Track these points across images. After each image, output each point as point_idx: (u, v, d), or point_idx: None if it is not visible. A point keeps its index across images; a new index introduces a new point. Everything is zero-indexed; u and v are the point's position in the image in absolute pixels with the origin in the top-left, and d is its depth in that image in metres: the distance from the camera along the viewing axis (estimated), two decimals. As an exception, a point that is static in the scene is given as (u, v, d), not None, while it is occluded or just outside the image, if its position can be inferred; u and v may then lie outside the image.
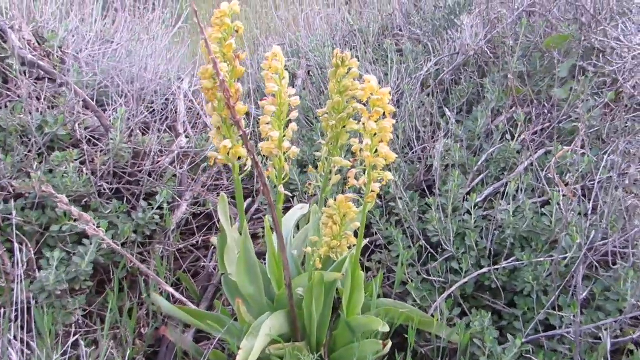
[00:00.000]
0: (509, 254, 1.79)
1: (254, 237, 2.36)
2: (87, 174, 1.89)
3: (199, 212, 2.26)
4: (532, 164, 2.01)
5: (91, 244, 1.72)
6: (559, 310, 1.62)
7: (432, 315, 1.69)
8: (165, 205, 2.02)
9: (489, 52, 2.33)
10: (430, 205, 1.88)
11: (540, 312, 1.62)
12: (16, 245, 1.57)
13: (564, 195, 1.81)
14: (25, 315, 1.57)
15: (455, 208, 1.94)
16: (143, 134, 2.44)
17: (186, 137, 2.43)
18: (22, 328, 1.52)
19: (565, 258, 1.66)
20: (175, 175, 2.26)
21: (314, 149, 2.45)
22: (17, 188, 1.75)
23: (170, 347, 1.75)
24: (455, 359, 1.64)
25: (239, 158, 1.37)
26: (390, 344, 1.51)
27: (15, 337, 1.45)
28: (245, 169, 1.41)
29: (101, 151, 2.11)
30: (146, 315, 1.85)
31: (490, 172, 2.05)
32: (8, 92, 2.31)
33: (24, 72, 2.30)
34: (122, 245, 1.89)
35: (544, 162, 2.04)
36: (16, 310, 1.56)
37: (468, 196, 1.97)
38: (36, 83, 2.41)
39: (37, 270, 1.72)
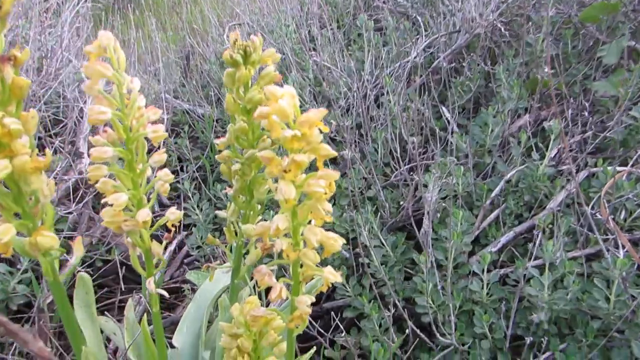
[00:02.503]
0: (539, 346, 1.15)
1: (176, 291, 1.72)
2: None
3: (99, 264, 1.62)
4: (572, 197, 1.37)
5: None
6: None
7: None
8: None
9: (502, 28, 1.66)
10: (420, 264, 1.24)
11: None
12: None
13: (625, 252, 1.17)
14: None
15: (457, 265, 1.30)
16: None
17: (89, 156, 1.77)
18: None
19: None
20: (69, 213, 1.62)
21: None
22: None
23: None
24: None
25: (46, 252, 0.72)
26: None
27: None
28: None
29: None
30: None
31: (508, 207, 1.40)
32: None
33: None
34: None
35: (587, 192, 1.39)
36: None
37: (477, 248, 1.33)
38: None
39: None
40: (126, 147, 0.74)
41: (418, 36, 1.83)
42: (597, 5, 1.65)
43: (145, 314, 1.10)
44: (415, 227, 1.43)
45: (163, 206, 1.98)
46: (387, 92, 1.67)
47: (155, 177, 0.78)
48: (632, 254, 1.15)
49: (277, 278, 0.70)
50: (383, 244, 1.37)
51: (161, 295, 0.83)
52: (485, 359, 1.16)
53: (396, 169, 1.57)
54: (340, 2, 2.66)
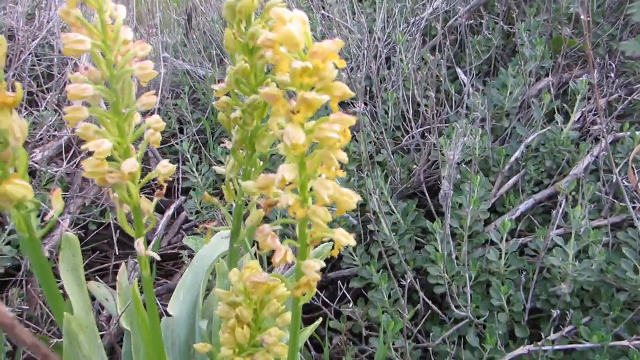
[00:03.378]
0: (562, 321, 1.07)
1: (175, 258, 1.65)
2: None
3: (92, 227, 1.54)
4: (596, 161, 1.27)
5: None
6: None
7: None
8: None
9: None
10: (434, 232, 1.15)
11: None
12: None
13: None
14: None
15: (473, 234, 1.22)
16: (27, 110, 1.69)
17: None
18: None
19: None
20: (65, 175, 1.53)
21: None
22: None
23: None
24: None
25: (20, 203, 0.63)
26: None
27: None
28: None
29: None
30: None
31: (528, 173, 1.31)
32: None
33: None
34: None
35: (613, 157, 1.29)
36: None
37: (494, 217, 1.24)
38: None
39: None
40: (110, 87, 0.64)
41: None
42: (630, -43, 1.52)
43: (137, 280, 1.02)
44: (427, 194, 1.35)
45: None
46: (400, 51, 1.56)
47: (145, 123, 0.69)
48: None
49: (282, 240, 0.61)
50: (393, 211, 1.28)
51: (159, 262, 0.76)
52: (502, 333, 1.08)
53: (408, 133, 1.48)
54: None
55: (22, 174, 0.63)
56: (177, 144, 1.76)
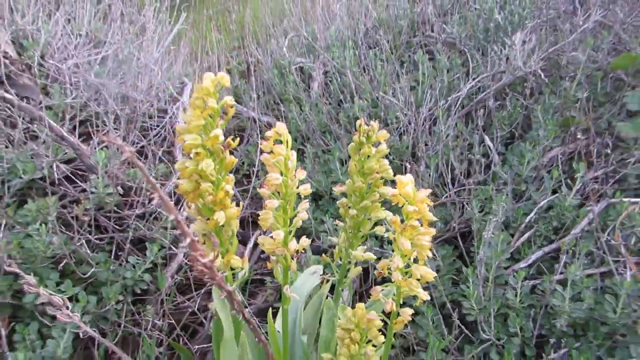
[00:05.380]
0: (559, 344, 1.49)
1: (260, 282, 2.09)
2: (61, 234, 1.61)
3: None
4: (591, 223, 1.68)
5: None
6: None
7: (467, 422, 1.41)
8: (159, 260, 1.76)
9: (542, 74, 1.95)
10: (467, 275, 1.57)
11: None
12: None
13: (632, 273, 1.49)
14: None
15: (496, 277, 1.63)
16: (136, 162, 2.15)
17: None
18: None
19: (634, 365, 1.36)
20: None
21: (330, 179, 2.13)
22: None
23: None
24: None
25: (232, 268, 1.07)
26: None
27: None
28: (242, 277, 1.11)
29: (83, 191, 1.83)
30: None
31: (538, 230, 1.72)
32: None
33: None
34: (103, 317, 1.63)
35: (606, 220, 1.70)
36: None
37: (511, 262, 1.65)
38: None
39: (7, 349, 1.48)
40: (283, 199, 1.07)
41: (466, 70, 2.12)
42: (626, 55, 1.93)
43: (270, 311, 1.44)
44: (460, 240, 1.76)
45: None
46: (440, 123, 1.98)
47: (296, 216, 1.12)
48: (638, 276, 1.47)
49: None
50: (435, 256, 1.70)
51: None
52: (515, 352, 1.50)
53: (446, 192, 1.89)
54: (392, 20, 2.93)
55: (234, 251, 1.06)
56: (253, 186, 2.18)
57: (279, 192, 1.06)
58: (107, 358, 1.70)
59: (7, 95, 1.78)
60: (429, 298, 1.04)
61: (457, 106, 2.02)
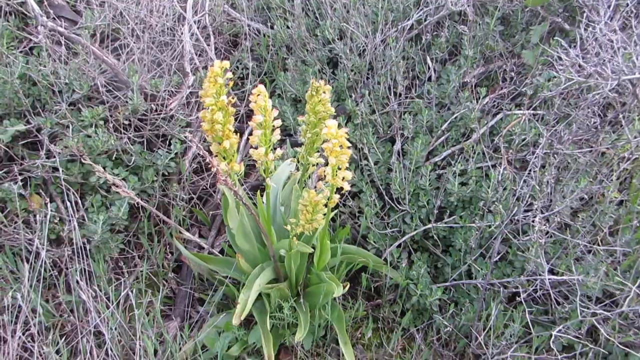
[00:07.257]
0: (451, 212, 2.26)
1: (252, 166, 2.82)
2: (113, 134, 2.29)
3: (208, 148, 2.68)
4: (488, 131, 2.36)
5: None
6: (479, 265, 2.16)
7: (385, 259, 2.23)
8: (178, 150, 2.46)
9: (470, 12, 2.47)
10: (395, 166, 2.29)
11: (465, 264, 2.16)
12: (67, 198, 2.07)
13: (504, 169, 2.21)
14: (82, 251, 2.14)
15: (417, 166, 2.35)
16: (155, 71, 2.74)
17: (193, 75, 2.72)
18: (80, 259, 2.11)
19: (489, 226, 2.14)
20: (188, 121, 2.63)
21: (306, 87, 2.75)
22: (61, 152, 2.17)
23: (189, 269, 2.35)
24: (397, 292, 2.23)
25: (236, 172, 1.77)
26: (348, 285, 2.08)
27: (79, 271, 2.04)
28: (240, 174, 1.82)
29: (122, 103, 2.46)
30: (170, 244, 2.42)
31: (452, 135, 2.40)
32: (30, 37, 2.57)
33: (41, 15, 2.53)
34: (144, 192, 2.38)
35: (500, 127, 2.37)
36: (73, 249, 2.12)
37: (429, 156, 2.37)
38: (54, 20, 2.65)
39: (85, 216, 2.24)
40: (264, 128, 1.73)
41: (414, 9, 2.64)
42: (538, -5, 2.44)
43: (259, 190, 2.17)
44: (399, 140, 2.46)
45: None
46: (391, 48, 2.55)
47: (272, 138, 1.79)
48: (503, 160, 2.19)
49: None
50: (376, 151, 2.40)
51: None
52: (423, 218, 2.27)
53: (389, 102, 2.54)
54: None
55: (235, 160, 1.75)
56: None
57: (261, 124, 1.72)
58: (150, 220, 2.48)
59: (59, 29, 2.33)
60: (349, 188, 1.76)
61: (406, 31, 2.58)
